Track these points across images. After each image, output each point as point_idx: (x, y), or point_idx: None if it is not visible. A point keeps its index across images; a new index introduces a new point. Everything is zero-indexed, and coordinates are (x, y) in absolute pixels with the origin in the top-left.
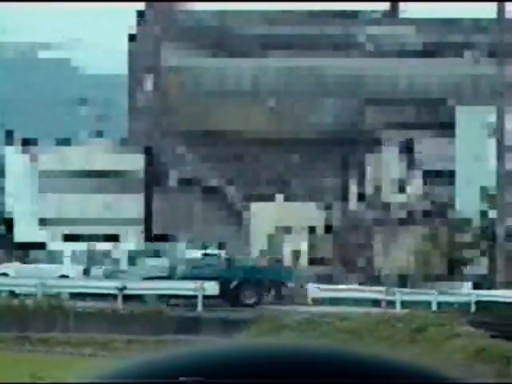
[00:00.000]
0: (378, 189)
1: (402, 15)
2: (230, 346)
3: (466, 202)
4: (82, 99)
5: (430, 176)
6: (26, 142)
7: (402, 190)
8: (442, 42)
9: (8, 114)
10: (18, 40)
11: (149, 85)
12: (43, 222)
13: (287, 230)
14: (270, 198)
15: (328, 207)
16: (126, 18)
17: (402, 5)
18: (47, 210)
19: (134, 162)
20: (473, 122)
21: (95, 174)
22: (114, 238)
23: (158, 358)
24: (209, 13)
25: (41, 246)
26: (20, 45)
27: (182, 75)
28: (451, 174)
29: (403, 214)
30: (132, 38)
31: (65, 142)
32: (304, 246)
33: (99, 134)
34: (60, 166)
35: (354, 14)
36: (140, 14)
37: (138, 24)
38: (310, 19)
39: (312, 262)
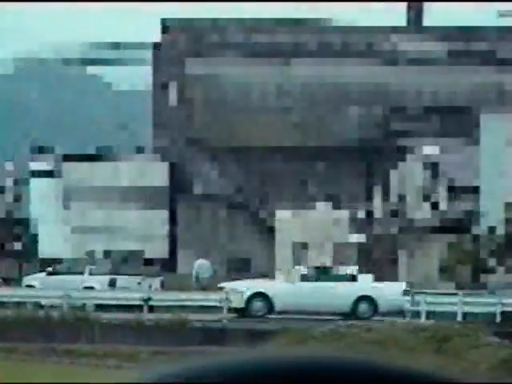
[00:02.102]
0: (402, 199)
1: (425, 23)
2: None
3: (490, 212)
4: (112, 115)
5: (457, 187)
6: (56, 158)
7: (426, 200)
8: (466, 50)
9: (39, 130)
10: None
11: (174, 99)
12: (69, 237)
13: (310, 242)
14: (295, 210)
15: (353, 218)
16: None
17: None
18: (73, 226)
19: (159, 177)
20: (498, 131)
21: (121, 189)
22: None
23: (198, 365)
24: (233, 27)
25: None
26: (49, 60)
27: (207, 89)
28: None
29: (428, 225)
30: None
31: (91, 157)
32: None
33: (140, 149)
34: (86, 181)
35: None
36: (163, 28)
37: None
38: (334, 28)
39: None
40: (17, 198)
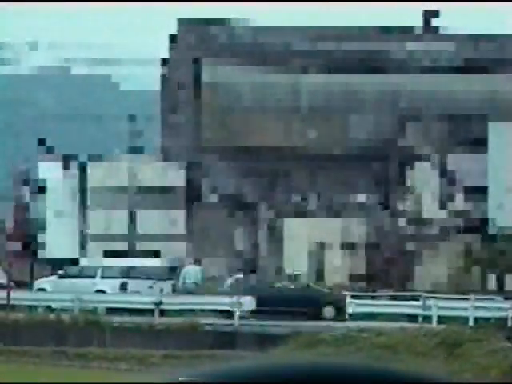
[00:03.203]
0: (417, 205)
1: (439, 31)
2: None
3: (504, 216)
4: (122, 115)
5: (470, 192)
6: (66, 158)
7: (441, 205)
8: (479, 58)
9: (47, 130)
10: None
11: (186, 100)
12: (83, 238)
13: (324, 246)
14: (307, 214)
15: (366, 223)
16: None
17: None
18: (88, 227)
19: (175, 178)
20: (508, 138)
21: (137, 190)
22: (155, 255)
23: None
24: (246, 28)
25: (76, 261)
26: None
27: (219, 91)
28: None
29: (443, 230)
30: (165, 60)
31: (103, 157)
32: (340, 263)
33: (139, 149)
34: (101, 182)
35: (391, 29)
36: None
37: (172, 41)
38: (348, 35)
39: (351, 278)
40: (31, 200)
